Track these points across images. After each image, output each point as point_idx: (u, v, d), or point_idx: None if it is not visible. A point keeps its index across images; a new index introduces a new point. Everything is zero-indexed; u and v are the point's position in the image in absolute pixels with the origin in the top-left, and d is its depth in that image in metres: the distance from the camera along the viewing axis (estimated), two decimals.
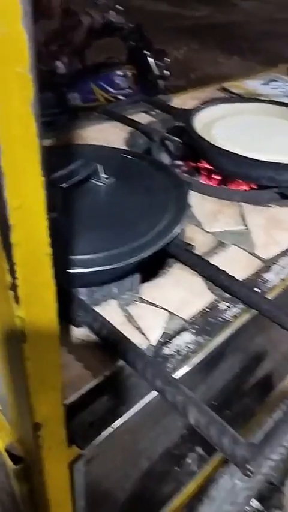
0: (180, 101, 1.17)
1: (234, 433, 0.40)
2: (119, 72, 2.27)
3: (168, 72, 2.37)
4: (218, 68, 5.12)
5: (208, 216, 0.73)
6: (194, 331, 0.53)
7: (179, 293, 0.58)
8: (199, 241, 0.68)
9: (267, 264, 0.64)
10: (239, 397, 0.87)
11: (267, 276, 0.62)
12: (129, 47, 2.33)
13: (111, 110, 1.06)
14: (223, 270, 0.59)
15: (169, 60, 2.37)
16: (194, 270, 0.61)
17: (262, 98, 1.09)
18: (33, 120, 0.24)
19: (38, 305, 0.29)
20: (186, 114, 0.89)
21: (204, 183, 0.85)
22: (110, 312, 0.55)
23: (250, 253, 0.66)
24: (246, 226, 0.72)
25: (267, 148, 0.80)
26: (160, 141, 0.95)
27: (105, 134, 0.98)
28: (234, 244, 0.68)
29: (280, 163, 0.74)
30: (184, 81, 4.81)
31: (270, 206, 0.78)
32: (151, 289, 0.59)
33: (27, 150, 0.24)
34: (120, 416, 0.46)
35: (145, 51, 2.27)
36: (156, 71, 2.31)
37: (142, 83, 2.33)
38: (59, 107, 2.23)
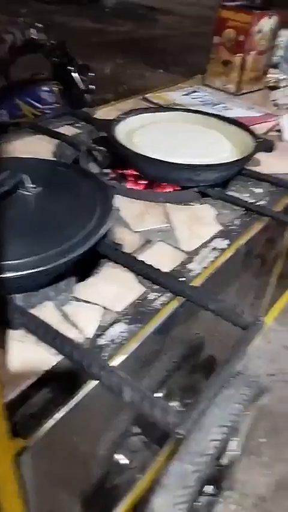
0: (104, 112, 1.22)
1: (164, 403, 0.45)
2: (45, 88, 2.29)
3: (94, 86, 2.43)
4: (144, 81, 5.28)
5: (135, 217, 0.78)
6: (127, 321, 0.58)
7: (112, 289, 0.62)
8: (128, 241, 0.72)
9: (190, 256, 0.70)
10: (183, 384, 0.92)
11: (191, 266, 0.68)
12: (53, 63, 2.37)
13: (37, 124, 1.08)
14: (150, 264, 0.64)
15: (93, 75, 2.43)
16: (124, 266, 0.65)
17: (179, 107, 1.17)
18: None
19: None
20: (109, 125, 0.94)
21: (130, 187, 0.90)
22: (46, 312, 0.58)
23: (175, 247, 0.72)
24: (170, 224, 0.78)
25: (184, 153, 0.86)
26: (87, 151, 0.99)
27: (33, 147, 1.01)
28: (160, 241, 0.73)
29: (195, 164, 0.81)
30: (112, 94, 4.92)
31: (191, 204, 0.84)
32: (85, 289, 0.63)
33: None
34: (61, 406, 0.49)
35: (69, 67, 2.32)
36: (81, 85, 2.36)
37: (68, 97, 2.37)
38: None
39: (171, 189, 0.89)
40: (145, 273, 0.64)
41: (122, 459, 0.81)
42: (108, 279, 0.64)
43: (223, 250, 0.72)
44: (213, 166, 0.82)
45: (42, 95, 2.30)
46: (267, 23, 1.30)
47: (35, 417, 0.46)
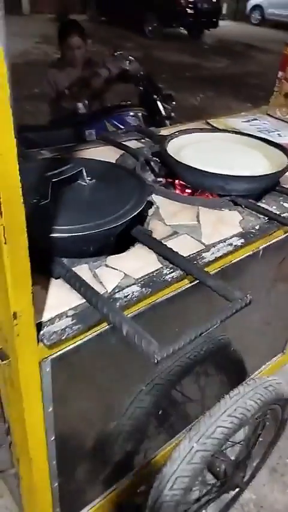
0: (167, 131, 1.40)
1: (150, 338, 0.58)
2: (130, 113, 2.57)
3: (173, 114, 2.66)
4: (231, 113, 5.47)
5: (169, 214, 0.94)
6: (140, 285, 0.72)
7: (135, 263, 0.78)
8: (158, 231, 0.88)
9: (208, 248, 0.83)
10: None
11: (205, 254, 0.81)
12: (141, 92, 2.65)
13: (108, 136, 1.29)
14: (170, 248, 0.78)
15: (175, 104, 2.67)
16: (150, 248, 0.81)
17: (230, 130, 1.31)
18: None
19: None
20: (164, 140, 1.11)
21: (172, 191, 1.05)
22: (81, 271, 0.75)
23: (197, 240, 0.86)
24: (198, 222, 0.92)
25: (221, 165, 1.00)
26: (144, 161, 1.17)
27: (101, 155, 1.21)
28: (186, 234, 0.87)
29: (227, 174, 0.95)
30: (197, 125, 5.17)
31: (222, 210, 0.97)
32: (115, 260, 0.79)
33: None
34: (79, 334, 0.64)
35: (154, 96, 2.58)
36: (163, 112, 2.61)
37: (150, 122, 2.62)
38: (76, 141, 2.53)
39: (208, 196, 1.03)
40: (165, 254, 0.78)
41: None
42: (135, 255, 0.80)
43: (237, 247, 0.84)
44: (241, 177, 0.95)
45: (127, 119, 2.59)
46: None
47: (56, 333, 0.62)
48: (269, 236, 0.91)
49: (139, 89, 2.66)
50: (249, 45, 9.52)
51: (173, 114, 2.69)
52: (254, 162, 1.05)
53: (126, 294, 0.70)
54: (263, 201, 1.02)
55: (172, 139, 1.12)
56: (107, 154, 1.21)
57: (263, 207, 0.97)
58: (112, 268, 0.77)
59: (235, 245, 0.84)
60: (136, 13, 9.30)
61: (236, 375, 1.31)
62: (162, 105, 2.61)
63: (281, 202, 1.02)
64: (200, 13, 9.60)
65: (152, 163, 1.19)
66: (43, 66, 2.84)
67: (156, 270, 0.76)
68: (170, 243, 0.83)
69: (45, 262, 0.73)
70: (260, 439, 1.20)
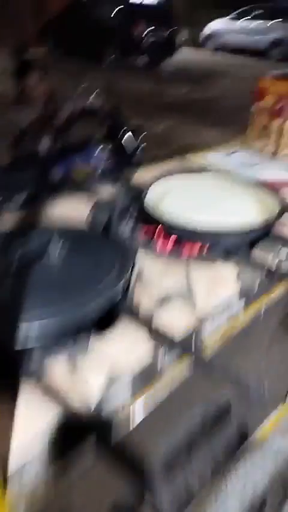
0: (145, 173, 1.30)
1: None
2: (97, 148, 2.47)
3: (143, 146, 2.58)
4: (197, 139, 5.49)
5: (156, 275, 0.81)
6: (131, 386, 0.59)
7: (123, 347, 0.65)
8: (146, 298, 0.75)
9: (206, 318, 0.71)
10: None
11: (204, 327, 0.68)
12: (107, 126, 2.57)
13: (79, 185, 1.17)
14: (162, 326, 0.66)
15: (144, 136, 2.60)
16: (139, 325, 0.68)
17: (211, 169, 1.22)
18: None
19: None
20: (142, 188, 1.00)
21: (157, 246, 0.93)
22: (58, 364, 0.61)
23: (191, 307, 0.74)
24: (190, 282, 0.80)
25: (210, 215, 0.90)
26: (120, 211, 1.05)
27: (73, 208, 1.09)
28: (178, 299, 0.75)
29: (217, 230, 0.84)
30: (166, 150, 5.15)
31: (214, 264, 0.86)
32: (99, 344, 0.65)
33: None
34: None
35: (121, 129, 2.50)
36: (131, 145, 2.53)
37: (119, 157, 2.53)
38: (41, 182, 2.41)
39: (196, 248, 0.92)
40: (158, 335, 0.65)
41: None
42: (122, 336, 0.67)
43: (238, 313, 0.72)
44: (235, 231, 0.84)
45: (94, 155, 2.49)
46: None
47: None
48: (269, 294, 0.80)
49: (105, 123, 2.57)
50: (209, 71, 9.76)
51: (142, 145, 2.62)
52: (244, 207, 0.95)
53: (114, 406, 0.57)
54: (258, 249, 0.91)
55: (151, 186, 1.01)
56: (78, 205, 1.09)
57: (259, 259, 0.86)
58: (95, 355, 0.63)
59: (236, 312, 0.73)
60: (95, 45, 9.42)
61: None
62: (130, 138, 2.53)
63: (277, 250, 0.91)
64: (157, 43, 9.83)
65: (128, 212, 1.08)
66: (1, 105, 2.72)
67: (150, 359, 0.63)
68: (160, 314, 0.71)
69: (12, 358, 0.59)
70: None
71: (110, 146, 2.49)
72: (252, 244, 0.93)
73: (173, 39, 10.31)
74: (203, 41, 13.18)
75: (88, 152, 2.47)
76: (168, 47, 10.19)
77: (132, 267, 0.75)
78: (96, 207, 1.10)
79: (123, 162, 2.54)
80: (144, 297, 0.75)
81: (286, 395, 1.29)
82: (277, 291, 0.80)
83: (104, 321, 0.69)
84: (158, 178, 1.05)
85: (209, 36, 13.04)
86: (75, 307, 0.60)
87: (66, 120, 2.45)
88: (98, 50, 9.48)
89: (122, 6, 9.68)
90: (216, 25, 12.81)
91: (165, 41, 10.02)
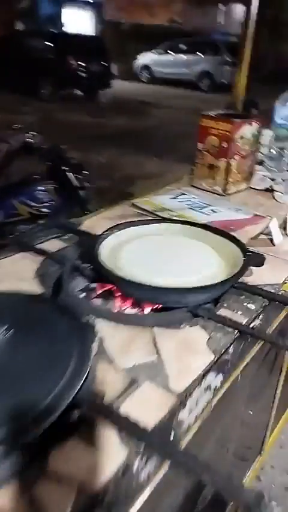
0: (92, 222, 1.21)
1: None
2: (40, 188, 2.37)
3: (87, 183, 2.51)
4: (140, 169, 5.54)
5: (120, 349, 0.72)
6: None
7: (89, 458, 0.54)
8: (111, 383, 0.65)
9: (180, 399, 0.63)
10: None
11: (181, 415, 0.60)
12: (48, 164, 2.47)
13: (22, 240, 1.06)
14: (134, 423, 0.56)
15: (87, 173, 2.53)
16: (106, 423, 0.58)
17: (165, 216, 1.17)
18: None
19: None
20: (94, 241, 0.91)
21: (116, 310, 0.85)
22: (12, 493, 0.49)
23: (163, 388, 0.65)
24: (158, 354, 0.71)
25: (170, 271, 0.83)
26: (71, 268, 0.96)
27: (16, 267, 0.98)
28: (147, 380, 0.66)
29: (180, 288, 0.77)
30: (109, 181, 5.13)
31: (181, 328, 0.78)
32: (58, 459, 0.54)
33: None
34: None
35: (63, 167, 2.41)
36: (75, 183, 2.44)
37: (63, 195, 2.44)
38: None
39: (158, 310, 0.84)
40: (129, 432, 0.56)
41: None
42: (85, 442, 0.56)
43: (216, 390, 0.65)
44: (200, 288, 0.77)
45: (37, 195, 2.37)
46: (248, 129, 1.35)
47: None
48: (245, 358, 0.73)
49: (45, 162, 2.47)
50: (144, 102, 10.01)
51: (86, 183, 2.54)
52: (203, 259, 0.89)
53: None
54: (224, 304, 0.85)
55: (103, 240, 0.93)
56: (23, 264, 0.98)
57: (228, 317, 0.80)
58: (55, 476, 0.52)
59: (214, 388, 0.65)
60: (30, 77, 9.36)
61: None
62: (73, 175, 2.45)
63: (245, 304, 0.86)
64: (92, 75, 9.96)
65: (80, 268, 0.98)
66: None
67: (124, 465, 0.53)
68: (129, 403, 0.61)
69: None
70: None
71: (52, 186, 2.39)
72: (217, 299, 0.87)
73: (107, 71, 10.50)
74: (136, 73, 13.59)
75: (29, 192, 2.36)
76: (104, 78, 10.35)
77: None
78: (45, 262, 1.00)
79: (67, 201, 2.46)
80: (108, 381, 0.66)
81: (261, 447, 1.24)
82: (251, 353, 0.74)
83: (62, 426, 0.58)
84: (108, 232, 0.97)
85: (142, 69, 13.48)
86: (16, 416, 0.50)
87: (3, 159, 2.33)
88: (33, 83, 9.42)
89: (56, 37, 9.73)
90: (147, 58, 13.29)
91: (100, 73, 10.18)
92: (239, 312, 0.83)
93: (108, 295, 0.91)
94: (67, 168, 2.44)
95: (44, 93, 9.55)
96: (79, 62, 9.78)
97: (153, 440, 0.54)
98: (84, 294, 0.97)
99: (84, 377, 0.56)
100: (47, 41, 9.75)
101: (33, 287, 0.89)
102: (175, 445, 0.54)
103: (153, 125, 7.89)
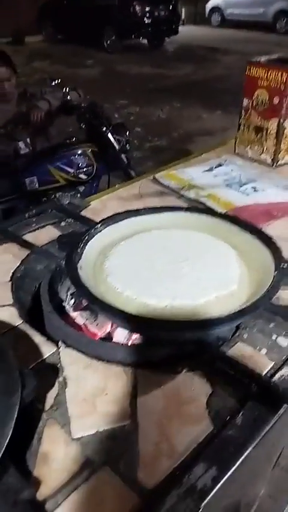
0: (100, 204, 0.99)
1: None
2: (78, 151, 2.16)
3: (128, 146, 2.26)
4: (201, 124, 5.11)
5: (84, 403, 0.52)
6: None
7: None
8: (56, 463, 0.46)
9: (148, 506, 0.42)
10: None
11: None
12: (87, 125, 2.24)
13: (7, 228, 0.88)
14: None
15: (128, 135, 2.27)
16: None
17: (190, 197, 0.91)
18: None
19: None
20: (79, 240, 0.70)
21: (97, 335, 0.64)
22: None
23: (127, 480, 0.44)
24: (134, 419, 0.50)
25: (170, 286, 0.60)
26: (57, 270, 0.76)
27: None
28: (107, 463, 0.46)
29: (179, 321, 0.54)
30: (167, 140, 4.80)
31: (178, 371, 0.56)
32: None
33: None
34: None
35: (103, 128, 2.17)
36: (116, 146, 2.20)
37: (104, 159, 2.22)
38: (16, 192, 2.12)
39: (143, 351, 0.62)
40: None
41: None
42: None
43: (203, 494, 0.43)
44: (203, 323, 0.54)
45: (74, 159, 2.18)
46: None
47: None
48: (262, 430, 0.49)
49: (84, 122, 2.25)
50: (212, 49, 9.23)
51: (128, 146, 2.29)
52: (220, 269, 0.64)
53: None
54: (244, 335, 0.61)
55: (90, 239, 0.71)
56: (4, 259, 0.80)
57: (243, 364, 0.56)
58: None
59: (201, 489, 0.43)
60: (93, 28, 8.95)
61: None
62: (113, 137, 2.20)
63: (274, 336, 0.61)
64: (159, 21, 9.29)
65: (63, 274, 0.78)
66: None
67: None
68: (75, 498, 0.42)
69: None
70: None
71: (91, 149, 2.18)
72: (237, 326, 0.62)
73: (174, 16, 9.74)
74: (207, 17, 12.55)
75: (66, 156, 2.17)
76: (170, 25, 9.63)
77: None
78: (30, 257, 0.81)
79: (109, 165, 2.23)
80: (50, 461, 0.46)
81: None
82: (268, 426, 0.50)
83: None
84: (102, 222, 0.75)
85: (212, 11, 12.41)
86: None
87: (43, 119, 2.15)
88: (96, 34, 9.01)
89: None
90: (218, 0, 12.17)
91: (166, 19, 9.46)
92: (263, 351, 0.59)
93: (91, 314, 0.70)
94: (107, 129, 2.20)
95: (107, 43, 9.12)
96: (144, 8, 9.13)
97: None
98: (72, 302, 0.78)
99: None
100: None
101: (4, 294, 0.71)
102: None
103: (220, 74, 7.25)
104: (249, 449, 0.47)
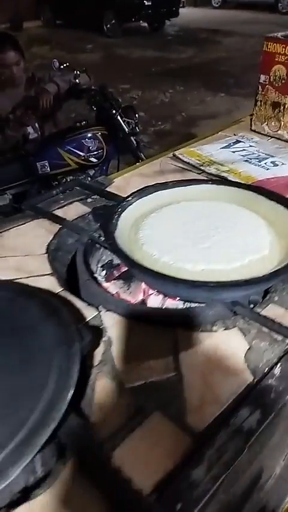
0: (124, 181, 1.02)
1: None
2: (88, 134, 2.18)
3: (138, 128, 2.27)
4: (205, 107, 5.09)
5: (130, 359, 0.56)
6: None
7: None
8: (110, 410, 0.50)
9: (198, 444, 0.46)
10: None
11: (196, 473, 0.43)
12: (96, 108, 2.25)
13: (37, 204, 0.91)
14: (129, 482, 0.41)
15: (137, 117, 2.28)
16: (90, 481, 0.43)
17: (211, 172, 0.94)
18: None
19: None
20: (112, 212, 0.73)
21: (134, 301, 0.67)
22: None
23: (177, 424, 0.48)
24: (178, 371, 0.54)
25: (202, 254, 0.63)
26: (89, 242, 0.80)
27: (27, 238, 0.83)
28: (159, 408, 0.50)
29: (215, 282, 0.57)
30: (170, 124, 4.78)
31: (214, 330, 0.60)
32: None
33: None
34: None
35: (112, 111, 2.18)
36: (126, 128, 2.22)
37: (113, 142, 2.23)
38: (28, 177, 2.14)
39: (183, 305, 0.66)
40: (117, 497, 0.41)
41: None
42: (64, 497, 0.42)
43: (250, 434, 0.46)
44: (238, 284, 0.57)
45: (85, 142, 2.19)
46: None
47: None
48: None
49: (94, 105, 2.26)
50: (213, 30, 9.12)
51: (137, 128, 2.30)
52: (250, 237, 0.68)
53: None
54: (275, 298, 0.65)
55: (124, 210, 0.74)
56: (36, 235, 0.83)
57: (278, 321, 0.59)
58: None
59: (248, 430, 0.47)
60: (92, 13, 8.84)
61: None
62: (123, 120, 2.22)
63: None
64: (159, 3, 9.15)
65: (101, 241, 0.81)
66: None
67: None
68: (132, 443, 0.46)
69: None
70: None
71: (101, 132, 2.19)
72: (268, 290, 0.66)
73: None
74: None
75: (77, 139, 2.18)
76: (170, 7, 9.49)
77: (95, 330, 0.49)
78: (61, 232, 0.84)
79: (119, 148, 2.24)
80: (109, 406, 0.50)
81: None
82: None
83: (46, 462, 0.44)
84: (133, 195, 0.78)
85: None
86: None
87: (52, 102, 2.16)
88: (95, 18, 8.89)
89: None
90: None
91: (166, 1, 9.32)
92: None
93: (126, 281, 0.74)
94: (117, 112, 2.21)
95: (107, 27, 9.01)
96: None
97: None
98: (104, 273, 0.81)
99: (66, 406, 0.41)
100: None
101: (42, 265, 0.75)
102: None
103: (223, 56, 7.18)
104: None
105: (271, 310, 0.62)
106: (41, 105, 2.16)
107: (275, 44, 1.06)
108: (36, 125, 2.27)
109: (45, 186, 2.18)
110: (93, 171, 2.28)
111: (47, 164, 2.14)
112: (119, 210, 0.73)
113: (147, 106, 4.95)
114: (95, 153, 2.19)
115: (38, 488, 0.42)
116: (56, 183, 2.23)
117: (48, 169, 2.15)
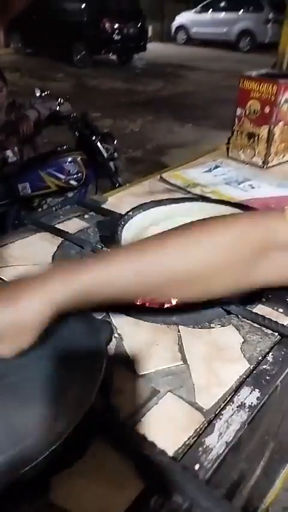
0: (117, 199, 1.11)
1: None
2: (68, 159, 2.27)
3: (116, 154, 2.39)
4: (173, 136, 5.32)
5: (141, 351, 0.63)
6: None
7: (98, 491, 0.46)
8: (129, 393, 0.57)
9: (209, 422, 0.53)
10: None
11: (208, 440, 0.50)
12: (77, 134, 2.36)
13: (39, 219, 0.98)
14: (152, 444, 0.48)
15: (116, 143, 2.40)
16: (119, 450, 0.49)
17: (197, 193, 1.04)
18: None
19: None
20: (116, 222, 0.81)
21: (138, 302, 0.75)
22: None
23: (188, 403, 0.56)
24: (184, 361, 0.62)
25: None
26: (91, 252, 0.87)
27: (33, 249, 0.90)
28: (170, 391, 0.57)
29: None
30: (141, 152, 4.96)
31: (211, 327, 0.68)
32: (62, 491, 0.46)
33: None
34: None
35: (93, 137, 2.29)
36: (104, 153, 2.33)
37: (92, 166, 2.33)
38: (7, 198, 2.19)
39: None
40: (145, 461, 0.47)
41: None
42: (95, 473, 0.48)
43: (252, 408, 0.54)
44: None
45: (65, 166, 2.28)
46: None
47: None
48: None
49: (74, 132, 2.36)
50: (179, 65, 9.57)
51: (115, 154, 2.42)
52: None
53: None
54: (263, 299, 0.74)
55: (126, 222, 0.82)
56: (40, 247, 0.90)
57: (267, 317, 0.68)
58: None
59: (249, 406, 0.55)
60: (63, 43, 9.10)
61: None
62: (102, 146, 2.33)
63: None
64: (127, 38, 9.56)
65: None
66: None
67: (138, 501, 0.45)
68: (148, 420, 0.53)
69: None
70: None
71: (80, 157, 2.29)
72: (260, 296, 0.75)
73: (142, 34, 10.05)
74: (173, 35, 12.96)
75: (58, 163, 2.26)
76: (139, 42, 9.93)
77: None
78: (63, 244, 0.91)
79: (97, 172, 2.34)
80: (126, 387, 0.57)
81: None
82: None
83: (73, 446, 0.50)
84: (133, 210, 0.86)
85: (178, 30, 12.84)
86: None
87: (32, 128, 2.24)
88: (66, 48, 9.16)
89: (90, 0, 9.28)
90: (184, 18, 12.63)
91: (135, 36, 9.75)
92: (280, 310, 0.72)
93: None
94: (96, 138, 2.32)
95: (77, 58, 9.28)
96: (114, 24, 9.38)
97: (173, 474, 0.45)
98: None
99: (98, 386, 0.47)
100: (80, 3, 9.34)
101: None
102: (201, 484, 0.45)
103: (189, 90, 7.54)
104: (281, 377, 0.59)
105: (259, 309, 0.72)
106: (21, 130, 2.24)
107: (250, 81, 1.20)
108: (16, 148, 2.33)
109: (25, 207, 2.24)
110: (72, 193, 2.36)
111: (28, 186, 2.20)
112: (122, 223, 0.81)
113: (117, 134, 5.12)
114: (75, 176, 2.28)
115: (76, 457, 0.48)
116: (36, 204, 2.30)
117: (29, 190, 2.21)
